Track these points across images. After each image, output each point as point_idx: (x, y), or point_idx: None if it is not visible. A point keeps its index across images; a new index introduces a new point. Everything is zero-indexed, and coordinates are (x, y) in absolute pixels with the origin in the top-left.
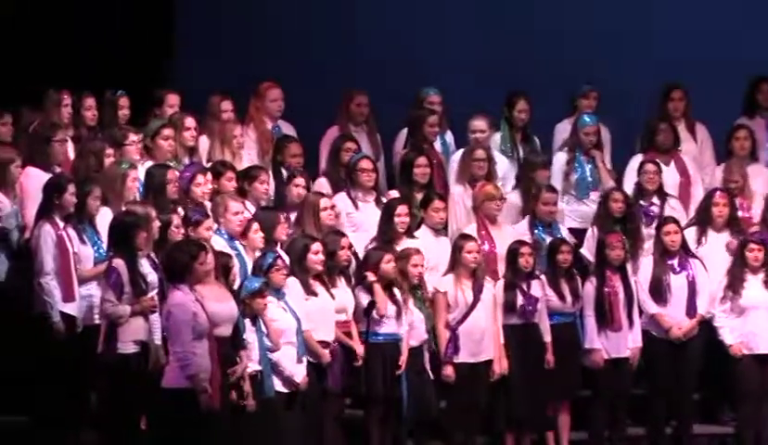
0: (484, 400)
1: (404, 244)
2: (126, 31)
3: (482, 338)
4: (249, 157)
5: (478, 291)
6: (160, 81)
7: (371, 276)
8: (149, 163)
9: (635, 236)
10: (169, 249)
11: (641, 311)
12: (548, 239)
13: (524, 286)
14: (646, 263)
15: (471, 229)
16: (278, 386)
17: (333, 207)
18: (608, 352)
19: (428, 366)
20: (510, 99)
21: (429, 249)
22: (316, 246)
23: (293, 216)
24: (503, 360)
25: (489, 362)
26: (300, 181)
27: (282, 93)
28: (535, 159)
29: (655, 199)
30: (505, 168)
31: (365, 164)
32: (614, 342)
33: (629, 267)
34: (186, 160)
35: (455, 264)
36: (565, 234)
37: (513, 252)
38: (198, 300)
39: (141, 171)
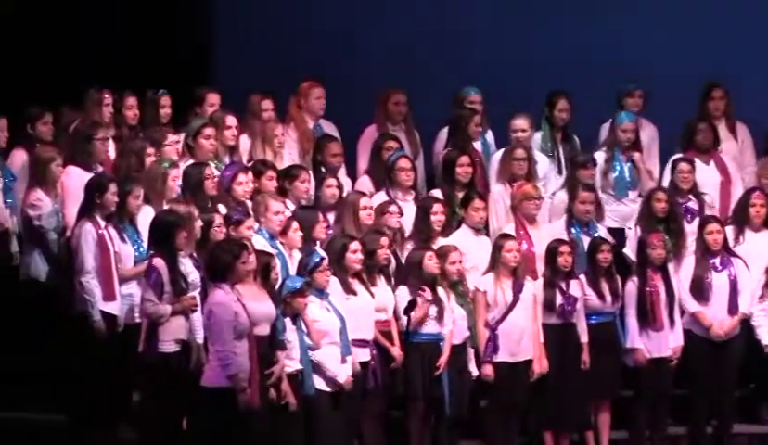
0: (523, 399)
1: (440, 243)
2: (166, 30)
3: (521, 338)
4: (289, 156)
5: (518, 290)
6: (200, 80)
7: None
8: (191, 162)
9: (678, 236)
10: (211, 248)
11: (682, 311)
12: (585, 239)
13: (563, 286)
14: (688, 262)
15: (510, 228)
16: (321, 385)
17: (380, 206)
18: (649, 352)
19: (471, 364)
20: (551, 99)
21: (469, 249)
22: (355, 245)
23: (331, 216)
24: (542, 359)
25: (528, 362)
26: (332, 181)
27: (324, 91)
28: (578, 159)
29: (691, 197)
30: (545, 167)
31: (404, 163)
32: (655, 342)
33: (671, 266)
34: (227, 159)
35: (495, 263)
36: (604, 233)
37: (552, 251)
38: (239, 300)
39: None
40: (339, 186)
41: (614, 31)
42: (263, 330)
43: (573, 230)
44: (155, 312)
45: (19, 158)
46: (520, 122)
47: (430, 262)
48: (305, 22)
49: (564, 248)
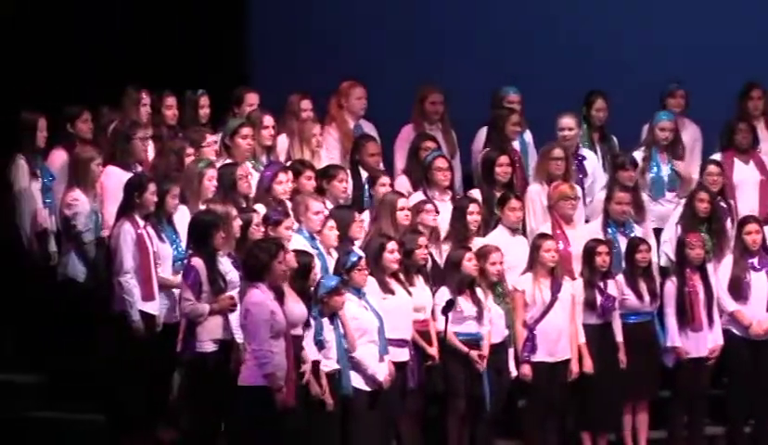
0: (561, 399)
1: (476, 243)
2: (204, 29)
3: (560, 338)
4: (328, 156)
5: (556, 290)
6: (240, 80)
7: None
8: (228, 162)
9: (720, 236)
10: (249, 248)
11: (721, 311)
12: (621, 239)
13: (601, 285)
14: (726, 262)
15: (547, 228)
16: (360, 384)
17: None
18: (687, 352)
19: (510, 364)
20: (588, 98)
21: (506, 249)
22: (392, 244)
23: None
24: (586, 359)
25: (566, 362)
26: (386, 179)
27: (365, 91)
28: (618, 160)
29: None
30: (593, 165)
31: (441, 163)
32: (694, 341)
33: (710, 266)
34: (264, 159)
35: (533, 263)
36: (640, 233)
37: (590, 251)
38: (276, 299)
39: None
40: (392, 186)
41: (655, 32)
42: (298, 330)
43: (609, 230)
44: (193, 312)
45: (59, 157)
46: (567, 121)
47: (469, 263)
48: (344, 21)
49: (602, 248)
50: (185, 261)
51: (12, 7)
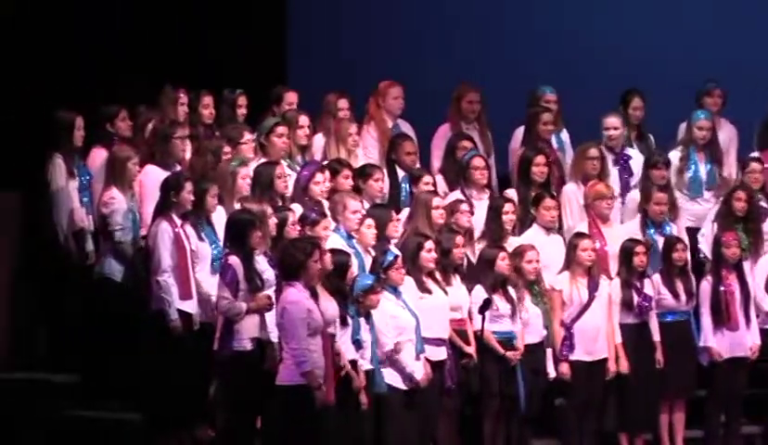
0: (599, 398)
1: (510, 242)
2: (242, 29)
3: (597, 336)
4: (367, 155)
5: (593, 289)
6: (277, 79)
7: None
8: (262, 161)
9: (756, 235)
10: (285, 247)
11: (758, 311)
12: (659, 239)
13: (638, 285)
14: (763, 261)
15: (583, 227)
16: (397, 382)
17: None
18: (724, 351)
19: (548, 364)
20: (625, 97)
21: (541, 248)
22: (429, 244)
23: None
24: (622, 359)
25: (604, 361)
26: (429, 179)
27: (403, 91)
28: (652, 159)
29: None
30: (639, 164)
31: (478, 162)
32: (730, 341)
33: (747, 265)
34: (299, 159)
35: (570, 262)
36: (677, 232)
37: (627, 251)
38: (312, 298)
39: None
40: (435, 184)
41: (690, 31)
42: (332, 329)
43: (648, 230)
44: (230, 310)
45: (99, 157)
46: (613, 120)
47: (502, 263)
48: (382, 21)
49: (639, 248)
50: (223, 260)
51: (24, 7)
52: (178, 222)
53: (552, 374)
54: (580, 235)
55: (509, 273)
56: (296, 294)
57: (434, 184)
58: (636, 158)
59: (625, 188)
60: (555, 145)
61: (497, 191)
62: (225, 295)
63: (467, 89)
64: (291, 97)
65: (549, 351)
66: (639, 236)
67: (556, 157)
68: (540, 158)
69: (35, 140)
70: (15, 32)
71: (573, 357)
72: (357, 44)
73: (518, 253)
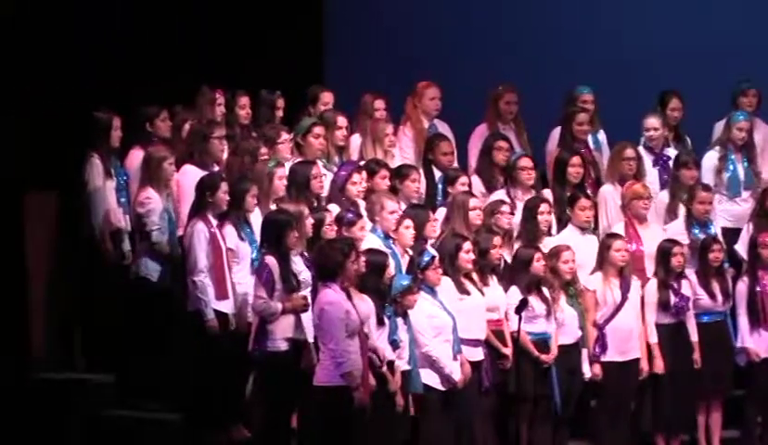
0: (632, 399)
1: (546, 242)
2: (279, 29)
3: (630, 337)
4: (403, 155)
5: (625, 290)
6: (313, 80)
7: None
8: (302, 160)
9: None
10: (322, 247)
11: None
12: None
13: (675, 285)
14: None
15: (619, 228)
16: (435, 383)
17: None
18: (758, 352)
19: (584, 365)
20: (663, 98)
21: (576, 248)
22: (467, 245)
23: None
24: (657, 359)
25: (636, 361)
26: (465, 179)
27: (440, 92)
28: (681, 158)
29: None
30: None
31: (525, 162)
32: (766, 341)
33: None
34: (336, 159)
35: (603, 263)
36: (719, 232)
37: (665, 251)
38: (349, 299)
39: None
40: (470, 185)
41: (724, 29)
42: (366, 329)
43: (693, 230)
44: (266, 310)
45: (138, 157)
46: (653, 121)
47: (538, 264)
48: (419, 21)
49: (677, 249)
50: (259, 260)
51: (63, 7)
52: (214, 222)
53: (587, 374)
54: (613, 236)
55: (545, 274)
56: (333, 295)
57: (469, 185)
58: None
59: (665, 188)
60: (591, 145)
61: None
62: (261, 294)
63: (505, 90)
64: (327, 97)
65: (584, 352)
66: (684, 236)
67: (592, 157)
68: (575, 159)
69: (73, 140)
70: (53, 32)
71: (606, 358)
72: (395, 44)
73: (555, 253)
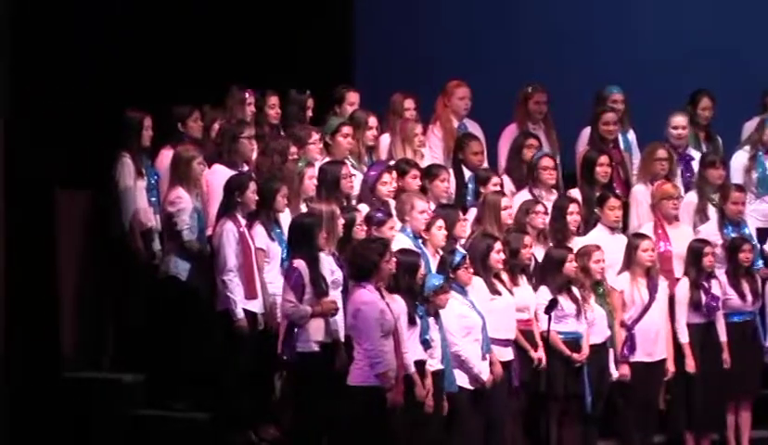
0: (660, 398)
1: (575, 242)
2: (308, 29)
3: (657, 338)
4: (432, 154)
5: (653, 290)
6: (342, 79)
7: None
8: (327, 160)
9: None
10: (357, 247)
11: None
12: None
13: (706, 285)
14: None
15: (648, 228)
16: (464, 382)
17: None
18: None
19: (611, 365)
20: (694, 97)
21: (605, 248)
22: (498, 245)
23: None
24: (688, 359)
25: (663, 362)
26: (497, 179)
27: (469, 91)
28: (707, 158)
29: None
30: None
31: (547, 162)
32: None
33: None
34: (366, 159)
35: (630, 263)
36: (753, 233)
37: (696, 251)
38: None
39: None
40: (501, 185)
41: (753, 29)
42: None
43: (725, 230)
44: (295, 314)
45: (168, 157)
46: (679, 120)
47: (570, 264)
48: (448, 21)
49: (708, 249)
50: (288, 263)
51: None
52: (243, 221)
53: (614, 374)
54: (640, 236)
55: (576, 275)
56: (368, 295)
57: (501, 185)
58: (699, 160)
59: (687, 189)
60: (621, 145)
61: (563, 190)
62: (290, 298)
63: (535, 90)
64: (353, 97)
65: (611, 352)
66: (717, 237)
67: (621, 157)
68: (603, 158)
69: (105, 139)
70: (85, 32)
71: (634, 358)
72: (424, 44)
73: (586, 253)
